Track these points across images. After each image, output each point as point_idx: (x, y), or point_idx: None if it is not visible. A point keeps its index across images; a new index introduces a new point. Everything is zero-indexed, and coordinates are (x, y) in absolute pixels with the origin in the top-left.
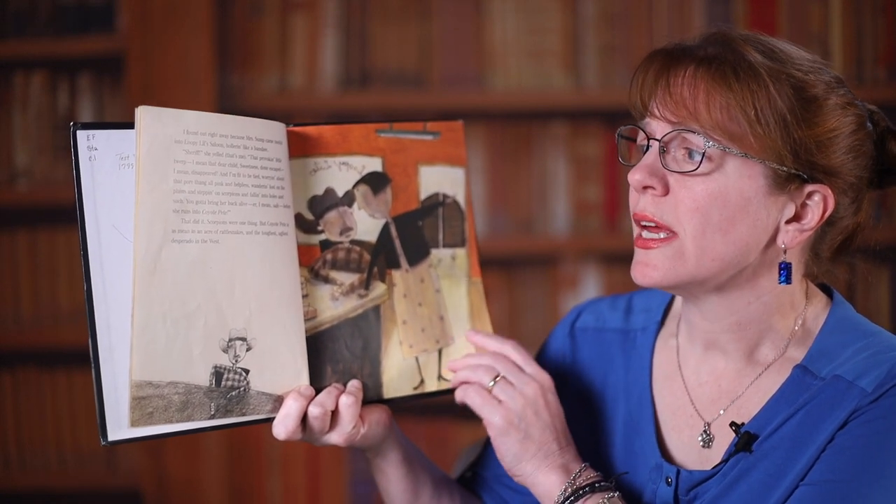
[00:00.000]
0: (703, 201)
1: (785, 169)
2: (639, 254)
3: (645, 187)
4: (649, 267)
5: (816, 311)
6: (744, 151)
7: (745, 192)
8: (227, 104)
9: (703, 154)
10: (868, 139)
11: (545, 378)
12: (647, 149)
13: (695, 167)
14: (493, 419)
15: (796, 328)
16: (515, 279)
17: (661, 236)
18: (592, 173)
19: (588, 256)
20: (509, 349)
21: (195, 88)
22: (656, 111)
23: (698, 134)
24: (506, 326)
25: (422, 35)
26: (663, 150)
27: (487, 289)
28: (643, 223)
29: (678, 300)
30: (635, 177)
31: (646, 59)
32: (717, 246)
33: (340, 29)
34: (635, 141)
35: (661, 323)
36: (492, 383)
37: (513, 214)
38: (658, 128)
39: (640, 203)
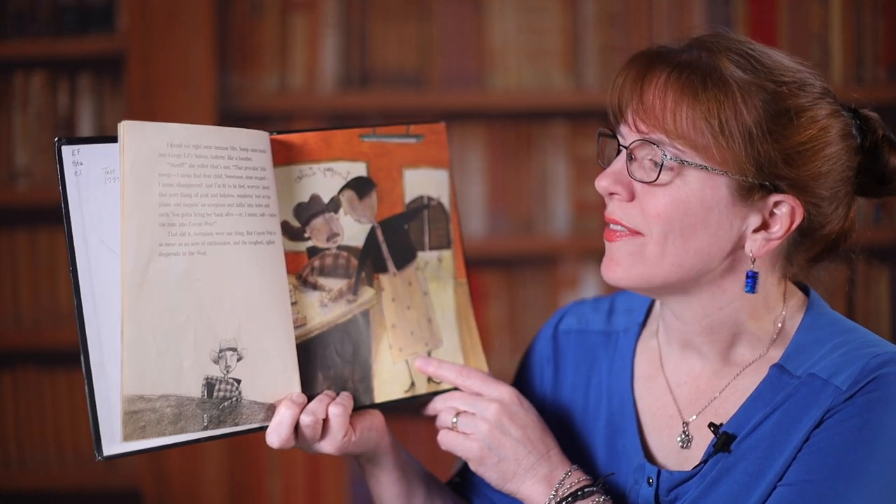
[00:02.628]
0: (665, 209)
1: (748, 180)
2: (607, 248)
3: (611, 193)
4: (613, 262)
5: (793, 311)
6: (705, 163)
7: (706, 201)
8: (227, 104)
9: (661, 165)
10: (848, 151)
11: (505, 393)
12: (618, 154)
13: (655, 178)
14: (466, 453)
15: (774, 330)
16: (515, 279)
17: (623, 230)
18: (592, 173)
19: (588, 256)
20: (464, 377)
21: (195, 88)
22: (629, 118)
23: (659, 146)
24: (506, 326)
25: (422, 35)
26: (630, 158)
27: (487, 289)
28: (612, 226)
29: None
30: (601, 183)
31: (626, 63)
32: (677, 252)
33: (340, 29)
34: (615, 138)
35: (643, 324)
36: (454, 420)
37: (513, 214)
38: (628, 135)
39: (610, 207)
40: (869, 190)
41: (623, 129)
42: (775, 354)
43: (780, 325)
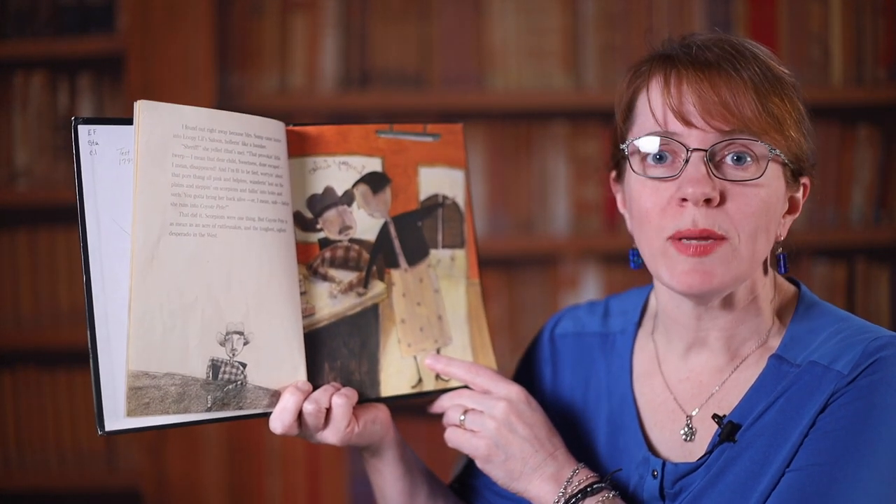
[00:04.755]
0: (758, 206)
1: (795, 166)
2: (692, 262)
3: (707, 200)
4: (708, 274)
5: (785, 302)
6: (782, 154)
7: (778, 192)
8: (226, 104)
9: (768, 160)
10: None
11: (513, 391)
12: (687, 160)
13: (758, 173)
14: (473, 451)
15: (774, 320)
16: (515, 279)
17: (710, 242)
18: (592, 173)
19: (588, 256)
20: (473, 374)
21: (195, 88)
22: (695, 120)
23: (756, 141)
24: (506, 326)
25: (422, 35)
26: (712, 159)
27: (488, 289)
28: (699, 239)
29: (653, 300)
30: (698, 190)
31: (661, 67)
32: (761, 247)
33: (340, 29)
34: (624, 153)
35: (639, 324)
36: (462, 417)
37: (513, 214)
38: (699, 137)
39: (691, 217)
40: None
41: (690, 133)
42: (772, 345)
43: (775, 315)
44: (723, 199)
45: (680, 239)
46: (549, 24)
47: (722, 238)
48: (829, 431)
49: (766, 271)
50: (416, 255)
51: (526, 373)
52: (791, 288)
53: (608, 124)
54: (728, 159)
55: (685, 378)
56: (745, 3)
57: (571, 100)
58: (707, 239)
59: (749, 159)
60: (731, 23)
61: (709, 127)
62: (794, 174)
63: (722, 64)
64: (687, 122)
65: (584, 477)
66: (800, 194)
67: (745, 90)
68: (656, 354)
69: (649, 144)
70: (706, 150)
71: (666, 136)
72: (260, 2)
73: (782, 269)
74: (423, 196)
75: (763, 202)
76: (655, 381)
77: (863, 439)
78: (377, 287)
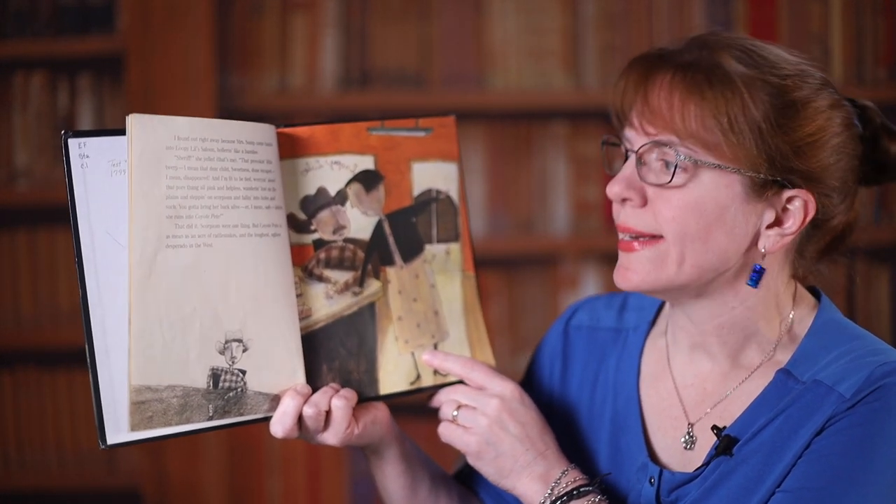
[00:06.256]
0: (680, 212)
1: (761, 176)
2: (622, 258)
3: (623, 199)
4: (630, 271)
5: (803, 315)
6: (718, 161)
7: (721, 201)
8: (227, 104)
9: (676, 167)
10: (853, 140)
11: (507, 389)
12: (626, 159)
13: (679, 180)
14: (464, 447)
15: (783, 332)
16: (515, 279)
17: (638, 241)
18: (592, 173)
19: (588, 256)
20: (468, 369)
21: (195, 88)
22: (635, 121)
23: (671, 146)
24: (506, 326)
25: (422, 35)
26: (640, 162)
27: (487, 289)
28: (626, 235)
29: None
30: (613, 189)
31: (626, 67)
32: (696, 254)
33: (340, 29)
34: (619, 145)
35: (653, 322)
36: (455, 413)
37: (513, 214)
38: (636, 139)
39: (622, 215)
40: (870, 178)
41: (629, 133)
42: (783, 358)
43: (787, 327)
44: (647, 202)
45: (623, 237)
46: (549, 24)
47: (653, 237)
48: (823, 455)
49: (755, 280)
50: (411, 251)
51: (538, 364)
52: (811, 300)
53: (608, 124)
54: (655, 163)
55: (690, 384)
56: (745, 3)
57: (571, 100)
58: (637, 238)
59: (671, 164)
60: (731, 23)
61: (641, 130)
62: (765, 184)
63: (668, 67)
64: (629, 123)
65: (572, 479)
66: (794, 207)
67: (679, 95)
68: (667, 355)
69: (609, 140)
70: (635, 152)
71: (614, 141)
72: (260, 2)
73: (751, 282)
74: (416, 191)
75: (688, 207)
76: (662, 384)
77: (856, 466)
78: (373, 285)
